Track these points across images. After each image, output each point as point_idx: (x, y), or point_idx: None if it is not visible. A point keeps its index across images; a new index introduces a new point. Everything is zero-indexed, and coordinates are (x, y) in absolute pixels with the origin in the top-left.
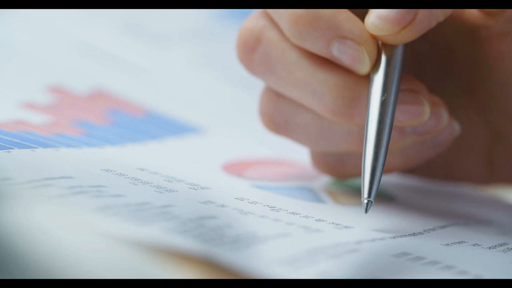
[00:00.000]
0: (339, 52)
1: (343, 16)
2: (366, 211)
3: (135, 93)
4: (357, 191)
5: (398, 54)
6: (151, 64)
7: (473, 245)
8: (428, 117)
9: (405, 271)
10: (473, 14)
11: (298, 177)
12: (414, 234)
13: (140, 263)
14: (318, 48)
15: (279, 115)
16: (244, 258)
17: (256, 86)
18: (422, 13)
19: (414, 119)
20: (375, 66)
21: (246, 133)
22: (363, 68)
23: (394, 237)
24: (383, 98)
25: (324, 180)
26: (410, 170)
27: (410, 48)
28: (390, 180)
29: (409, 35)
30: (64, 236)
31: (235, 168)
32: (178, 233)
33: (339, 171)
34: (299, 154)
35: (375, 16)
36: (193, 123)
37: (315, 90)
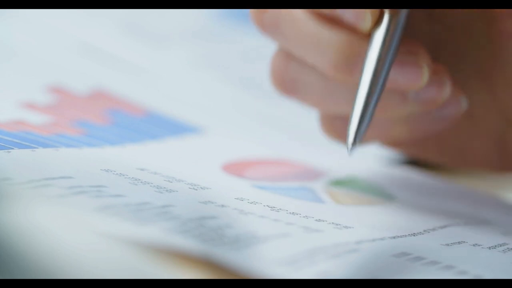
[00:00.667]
0: (342, 9)
1: None
2: (349, 153)
3: (135, 93)
4: (357, 191)
5: (402, 15)
6: (151, 64)
7: (473, 245)
8: (425, 81)
9: (405, 271)
10: None
11: (298, 177)
12: (414, 234)
13: (140, 263)
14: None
15: (288, 75)
16: (244, 258)
17: (256, 86)
18: None
19: (412, 82)
20: (376, 25)
21: (246, 133)
22: (365, 25)
23: (394, 237)
24: (380, 55)
25: (324, 180)
26: (423, 153)
27: (426, 30)
28: (391, 179)
29: None
30: (64, 236)
31: (235, 168)
32: (178, 233)
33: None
34: (299, 154)
35: None
36: (193, 123)
37: (319, 47)
